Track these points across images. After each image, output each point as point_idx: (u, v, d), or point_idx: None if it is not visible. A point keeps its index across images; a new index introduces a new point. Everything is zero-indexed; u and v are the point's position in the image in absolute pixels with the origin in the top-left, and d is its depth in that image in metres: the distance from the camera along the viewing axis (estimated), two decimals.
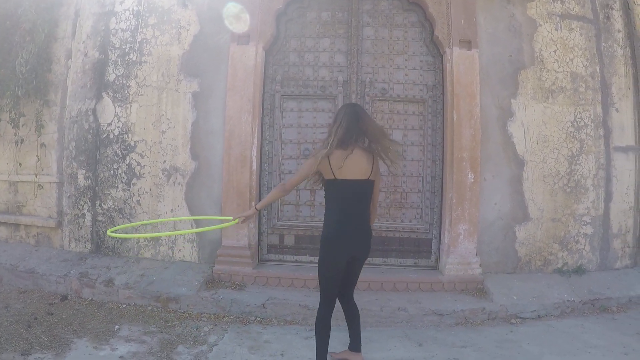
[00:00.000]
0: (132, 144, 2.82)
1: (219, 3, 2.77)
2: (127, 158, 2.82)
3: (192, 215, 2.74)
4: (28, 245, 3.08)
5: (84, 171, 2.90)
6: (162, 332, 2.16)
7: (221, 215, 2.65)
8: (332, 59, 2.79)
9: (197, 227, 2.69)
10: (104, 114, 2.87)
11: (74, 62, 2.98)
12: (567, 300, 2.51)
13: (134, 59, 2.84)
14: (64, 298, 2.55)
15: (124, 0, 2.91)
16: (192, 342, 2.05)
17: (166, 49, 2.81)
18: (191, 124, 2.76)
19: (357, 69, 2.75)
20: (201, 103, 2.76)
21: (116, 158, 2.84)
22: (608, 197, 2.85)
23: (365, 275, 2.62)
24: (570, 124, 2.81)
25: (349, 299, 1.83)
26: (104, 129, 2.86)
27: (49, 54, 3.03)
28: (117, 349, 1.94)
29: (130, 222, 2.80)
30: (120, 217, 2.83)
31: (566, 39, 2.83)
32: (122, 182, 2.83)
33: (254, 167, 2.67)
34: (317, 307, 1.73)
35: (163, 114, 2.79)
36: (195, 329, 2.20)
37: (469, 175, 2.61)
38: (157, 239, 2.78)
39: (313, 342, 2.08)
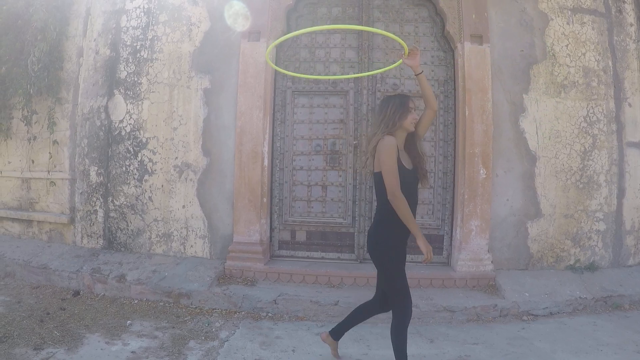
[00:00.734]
0: (144, 140, 2.84)
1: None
2: (139, 155, 2.84)
3: (203, 211, 2.74)
4: (41, 241, 3.11)
5: (96, 168, 2.92)
6: (173, 327, 2.18)
7: (233, 212, 2.66)
8: (343, 54, 2.79)
9: None
10: (116, 111, 2.89)
11: (86, 60, 3.00)
12: (580, 298, 2.49)
13: (145, 56, 2.85)
14: (77, 293, 2.57)
15: None
16: (203, 338, 2.07)
17: (177, 46, 2.82)
18: (202, 120, 2.77)
19: (368, 65, 2.75)
20: (212, 99, 2.77)
21: (128, 155, 2.86)
22: (621, 193, 2.82)
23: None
24: (583, 119, 2.78)
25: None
26: (116, 125, 2.88)
27: (60, 52, 3.05)
28: (128, 344, 1.96)
29: (143, 218, 2.82)
30: (132, 214, 2.85)
31: (578, 33, 2.81)
32: (134, 178, 2.85)
33: (266, 163, 2.68)
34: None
35: (174, 111, 2.80)
36: (206, 325, 2.21)
37: (481, 171, 2.60)
38: (169, 235, 2.79)
39: None
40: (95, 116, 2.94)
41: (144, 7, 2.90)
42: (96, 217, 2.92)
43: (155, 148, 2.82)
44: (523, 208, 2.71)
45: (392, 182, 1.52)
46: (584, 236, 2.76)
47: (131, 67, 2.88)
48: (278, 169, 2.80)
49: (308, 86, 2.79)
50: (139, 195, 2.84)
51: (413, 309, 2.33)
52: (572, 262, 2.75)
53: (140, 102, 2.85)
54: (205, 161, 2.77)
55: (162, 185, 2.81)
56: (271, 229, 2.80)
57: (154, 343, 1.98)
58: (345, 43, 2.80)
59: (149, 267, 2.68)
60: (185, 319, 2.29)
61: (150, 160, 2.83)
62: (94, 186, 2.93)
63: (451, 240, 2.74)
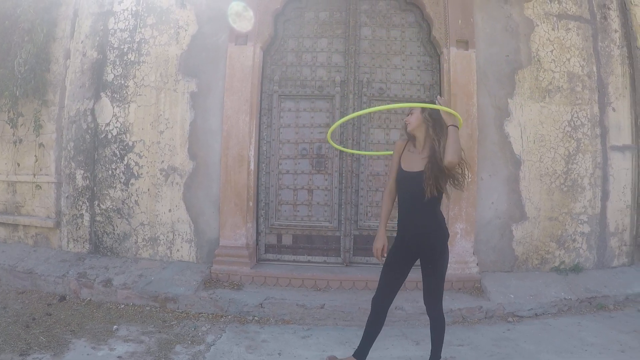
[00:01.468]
0: (130, 144, 2.83)
1: (217, 3, 2.78)
2: (125, 158, 2.83)
3: (189, 214, 2.74)
4: (26, 245, 3.08)
5: (82, 171, 2.90)
6: (160, 332, 2.16)
7: (219, 215, 2.66)
8: (330, 59, 2.80)
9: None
10: (102, 114, 2.87)
11: (73, 62, 2.98)
12: (564, 299, 2.52)
13: (132, 59, 2.84)
14: (63, 298, 2.55)
15: (123, 0, 2.91)
16: (190, 342, 2.06)
17: (164, 49, 2.81)
18: (189, 124, 2.77)
19: (354, 69, 2.76)
20: (199, 103, 2.77)
21: (114, 158, 2.85)
22: (605, 196, 2.86)
23: (363, 274, 2.66)
24: (567, 124, 2.82)
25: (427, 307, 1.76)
26: (102, 129, 2.87)
27: (47, 54, 3.03)
28: (115, 349, 1.94)
29: (129, 222, 2.81)
30: (118, 218, 2.84)
31: (563, 39, 2.85)
32: (120, 182, 2.83)
33: (252, 167, 2.68)
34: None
35: (161, 114, 2.80)
36: (193, 329, 2.21)
37: (466, 175, 2.62)
38: (155, 239, 2.79)
39: (310, 341, 2.12)
40: (81, 119, 2.92)
41: (131, 10, 2.89)
42: (82, 221, 2.90)
43: (141, 151, 2.81)
44: (508, 211, 2.74)
45: (453, 149, 1.60)
46: (569, 238, 2.80)
47: (118, 69, 2.87)
48: (264, 172, 2.80)
49: (295, 90, 2.80)
50: (125, 199, 2.83)
51: (399, 311, 2.39)
52: (557, 264, 2.79)
53: (126, 105, 2.83)
54: (192, 165, 2.76)
55: (149, 189, 2.80)
56: (257, 233, 2.80)
57: (141, 348, 1.96)
58: (332, 47, 2.82)
59: (135, 271, 2.67)
60: (172, 323, 2.28)
61: (137, 163, 2.82)
62: (80, 190, 2.91)
63: None
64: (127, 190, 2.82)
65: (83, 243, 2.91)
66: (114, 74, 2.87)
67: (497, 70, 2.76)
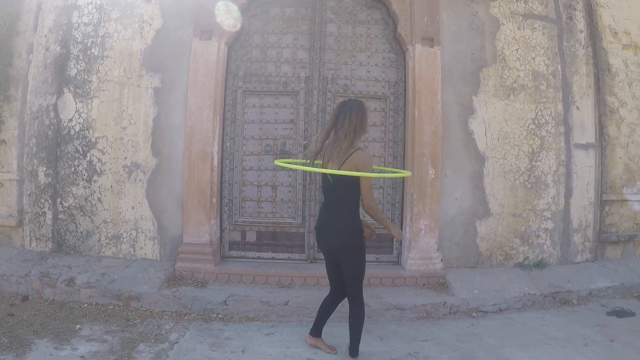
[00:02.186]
0: (93, 140, 2.77)
1: None
2: (88, 154, 2.78)
3: (152, 211, 2.71)
4: None
5: (44, 168, 2.84)
6: (123, 330, 2.14)
7: (183, 212, 2.63)
8: (295, 55, 2.79)
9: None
10: (65, 109, 2.81)
11: (36, 57, 2.92)
12: (528, 294, 2.56)
13: (95, 53, 2.79)
14: (25, 298, 2.49)
15: None
16: (153, 340, 2.03)
17: (128, 44, 2.77)
18: (152, 119, 2.73)
19: (319, 66, 2.75)
20: (163, 98, 2.73)
21: (77, 155, 2.79)
22: (568, 193, 2.91)
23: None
24: (531, 121, 2.85)
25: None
26: (65, 125, 2.81)
27: (9, 48, 2.96)
28: (77, 348, 1.92)
29: (92, 219, 2.76)
30: (81, 215, 2.79)
31: (528, 38, 2.88)
32: (83, 179, 2.78)
33: (215, 163, 2.66)
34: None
35: (124, 110, 2.75)
36: (156, 327, 2.18)
37: (430, 171, 2.64)
38: (119, 236, 2.74)
39: (274, 337, 2.11)
40: (44, 115, 2.85)
41: (96, 4, 2.84)
42: (45, 219, 2.84)
43: (104, 148, 2.77)
44: (472, 207, 2.76)
45: (370, 194, 1.72)
46: (533, 234, 2.83)
47: (81, 64, 2.81)
48: (228, 169, 2.77)
49: (259, 86, 2.78)
50: (88, 197, 2.78)
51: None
52: (521, 260, 2.82)
53: (90, 101, 2.78)
54: (155, 161, 2.73)
55: (112, 186, 2.76)
56: (221, 230, 2.77)
57: (104, 347, 1.94)
58: (298, 43, 2.80)
59: (98, 270, 2.62)
60: (136, 322, 2.25)
61: (100, 160, 2.77)
62: (42, 187, 2.85)
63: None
64: (90, 187, 2.77)
65: (46, 242, 2.85)
66: (77, 69, 2.82)
67: (462, 68, 2.78)
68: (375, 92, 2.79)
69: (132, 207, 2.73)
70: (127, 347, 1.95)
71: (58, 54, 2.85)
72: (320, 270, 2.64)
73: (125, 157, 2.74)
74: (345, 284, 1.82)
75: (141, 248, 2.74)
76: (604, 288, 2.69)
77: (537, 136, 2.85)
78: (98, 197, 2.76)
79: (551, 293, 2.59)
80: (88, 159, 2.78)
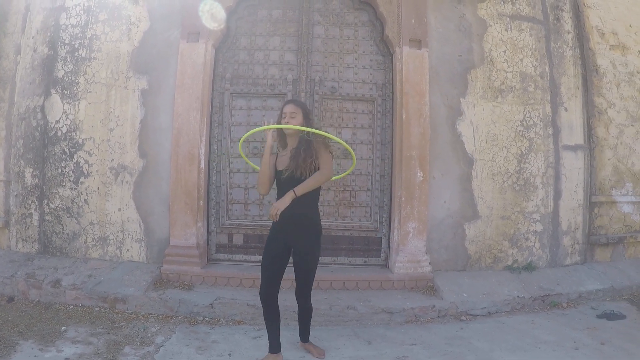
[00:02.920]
0: (80, 141, 2.76)
1: (170, 0, 2.75)
2: (75, 156, 2.77)
3: (139, 214, 2.70)
4: None
5: (31, 169, 2.82)
6: (109, 333, 2.12)
7: (169, 215, 2.63)
8: (282, 57, 2.79)
9: None
10: (52, 111, 2.80)
11: (23, 58, 2.91)
12: (518, 297, 2.54)
13: (83, 55, 2.79)
14: (11, 300, 2.47)
15: None
16: (139, 343, 2.01)
17: (116, 46, 2.76)
18: (139, 121, 2.72)
19: (306, 68, 2.75)
20: (150, 100, 2.72)
21: (64, 156, 2.78)
22: (557, 195, 2.90)
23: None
24: (520, 123, 2.85)
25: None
26: (52, 126, 2.80)
27: None
28: (62, 350, 1.90)
29: (78, 221, 2.75)
30: (67, 217, 2.77)
31: (516, 40, 2.88)
32: (69, 180, 2.77)
33: (202, 166, 2.65)
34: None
35: (111, 112, 2.74)
36: (142, 330, 2.16)
37: (418, 174, 2.63)
38: (105, 238, 2.73)
39: (261, 341, 2.09)
40: (31, 116, 2.84)
41: (84, 5, 2.83)
42: (31, 221, 2.82)
43: (91, 149, 2.75)
44: (460, 210, 2.76)
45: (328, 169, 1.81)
46: (522, 237, 2.83)
47: (69, 66, 2.80)
48: (215, 171, 2.76)
49: (246, 88, 2.77)
50: (74, 198, 2.76)
51: (351, 311, 2.38)
52: (510, 263, 2.81)
53: (77, 102, 2.77)
54: (142, 163, 2.71)
55: (98, 188, 2.74)
56: (208, 233, 2.76)
57: (89, 349, 1.92)
58: (285, 46, 2.80)
59: (84, 271, 2.60)
60: (121, 324, 2.23)
61: (86, 161, 2.76)
62: (29, 188, 2.83)
63: (389, 242, 2.75)
64: (76, 189, 2.75)
65: (32, 243, 2.83)
66: (65, 71, 2.81)
67: (450, 70, 2.78)
68: (363, 94, 2.79)
69: (119, 209, 2.72)
70: (113, 350, 1.93)
71: (46, 56, 2.85)
72: None
73: (112, 159, 2.73)
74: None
75: (127, 250, 2.72)
76: (594, 291, 2.68)
77: (526, 138, 2.84)
78: (85, 199, 2.75)
79: (541, 296, 2.58)
80: (75, 160, 2.76)
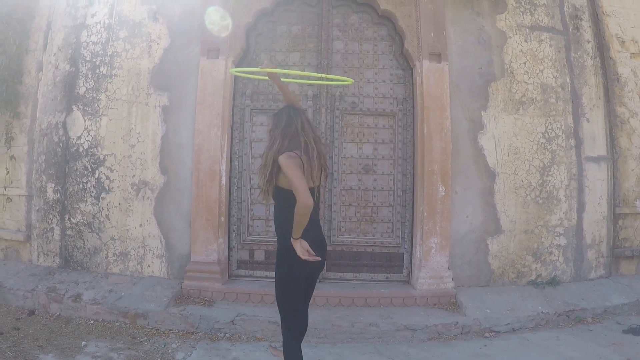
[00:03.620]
0: (102, 157, 2.79)
1: (189, 17, 2.77)
2: (97, 172, 2.79)
3: (160, 229, 2.70)
4: None
5: (53, 184, 2.85)
6: (129, 348, 2.12)
7: (190, 231, 2.62)
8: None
9: None
10: (74, 127, 2.83)
11: (45, 75, 2.95)
12: (542, 313, 2.49)
13: (104, 72, 2.82)
14: (32, 313, 2.49)
15: (96, 14, 2.90)
16: (159, 359, 2.01)
17: (136, 62, 2.79)
18: (160, 137, 2.74)
19: (326, 84, 2.74)
20: (171, 117, 2.74)
21: (85, 172, 2.80)
22: (581, 208, 2.85)
23: (336, 290, 2.61)
24: (542, 135, 2.81)
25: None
26: (74, 142, 2.83)
27: (19, 66, 2.99)
28: None
29: (99, 236, 2.76)
30: (89, 232, 2.79)
31: (536, 51, 2.86)
32: (91, 196, 2.79)
33: (224, 182, 2.65)
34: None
35: (132, 128, 2.76)
36: (163, 346, 2.16)
37: (440, 189, 2.60)
38: (126, 254, 2.74)
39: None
40: (53, 132, 2.88)
41: (104, 23, 2.87)
42: (53, 235, 2.85)
43: (112, 165, 2.77)
44: (483, 225, 2.72)
45: (301, 188, 1.48)
46: (545, 251, 2.78)
47: (90, 82, 2.84)
48: (236, 187, 2.76)
49: (267, 104, 2.78)
50: (95, 213, 2.78)
51: (373, 328, 2.35)
52: (533, 278, 2.76)
53: (98, 119, 2.80)
54: (163, 179, 2.73)
55: (119, 203, 2.76)
56: (229, 249, 2.75)
57: None
58: (305, 61, 2.80)
59: (105, 286, 2.61)
60: (142, 340, 2.23)
61: (108, 177, 2.78)
62: (50, 203, 2.86)
63: (411, 258, 2.72)
64: (98, 204, 2.77)
65: (53, 257, 2.85)
66: (86, 87, 2.84)
67: (470, 83, 2.76)
68: (384, 109, 2.78)
69: (140, 225, 2.73)
70: None
71: (67, 72, 2.88)
72: (329, 289, 2.62)
73: (134, 175, 2.75)
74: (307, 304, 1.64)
75: (148, 266, 2.73)
76: (619, 305, 2.62)
77: (548, 150, 2.80)
78: (106, 214, 2.77)
79: (565, 311, 2.52)
80: (96, 176, 2.79)
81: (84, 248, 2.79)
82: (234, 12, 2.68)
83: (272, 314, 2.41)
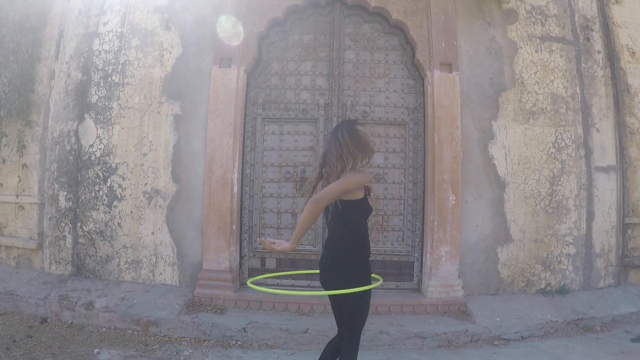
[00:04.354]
0: (114, 166, 2.81)
1: (202, 26, 2.79)
2: (109, 180, 2.81)
3: (172, 237, 2.72)
4: (8, 266, 3.04)
5: (65, 193, 2.87)
6: (142, 355, 2.14)
7: (202, 239, 2.63)
8: (314, 82, 2.81)
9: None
10: (86, 135, 2.85)
11: (57, 83, 2.97)
12: (551, 321, 2.51)
13: (116, 80, 2.84)
14: (44, 321, 2.52)
15: (108, 22, 2.92)
16: None
17: (148, 71, 2.81)
18: (172, 146, 2.75)
19: (338, 92, 2.77)
20: (183, 125, 2.76)
21: (97, 180, 2.82)
22: (590, 217, 2.86)
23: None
24: (552, 145, 2.82)
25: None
26: (86, 150, 2.85)
27: (32, 74, 3.02)
28: None
29: (112, 244, 2.78)
30: (101, 240, 2.81)
31: (546, 61, 2.87)
32: (103, 204, 2.81)
33: (235, 191, 2.67)
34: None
35: (145, 136, 2.78)
36: (175, 353, 2.18)
37: (450, 198, 2.62)
38: (138, 261, 2.76)
39: None
40: (65, 140, 2.90)
41: (116, 31, 2.89)
42: (65, 243, 2.87)
43: (124, 174, 2.79)
44: (493, 233, 2.73)
45: (325, 192, 1.46)
46: (554, 260, 2.79)
47: (102, 91, 2.86)
48: (248, 196, 2.78)
49: (278, 113, 2.80)
50: (108, 222, 2.80)
51: (383, 335, 2.36)
52: (542, 286, 2.77)
53: (110, 127, 2.82)
54: (175, 188, 2.75)
55: (132, 212, 2.78)
56: (241, 257, 2.77)
57: None
58: (316, 70, 2.82)
59: (117, 294, 2.63)
60: (154, 347, 2.25)
61: (120, 186, 2.80)
62: (62, 211, 2.88)
63: (421, 266, 2.74)
64: (110, 212, 2.79)
65: (65, 265, 2.87)
66: (98, 96, 2.86)
67: (481, 93, 2.77)
68: (395, 118, 2.79)
69: (152, 233, 2.75)
70: None
71: (79, 81, 2.90)
72: None
73: (146, 183, 2.77)
74: (342, 326, 1.55)
75: (160, 273, 2.75)
76: (628, 314, 2.63)
77: (558, 160, 2.81)
78: (118, 222, 2.78)
79: (574, 320, 2.54)
80: (108, 184, 2.80)
81: (96, 256, 2.81)
82: (246, 21, 2.70)
83: (283, 321, 2.43)
